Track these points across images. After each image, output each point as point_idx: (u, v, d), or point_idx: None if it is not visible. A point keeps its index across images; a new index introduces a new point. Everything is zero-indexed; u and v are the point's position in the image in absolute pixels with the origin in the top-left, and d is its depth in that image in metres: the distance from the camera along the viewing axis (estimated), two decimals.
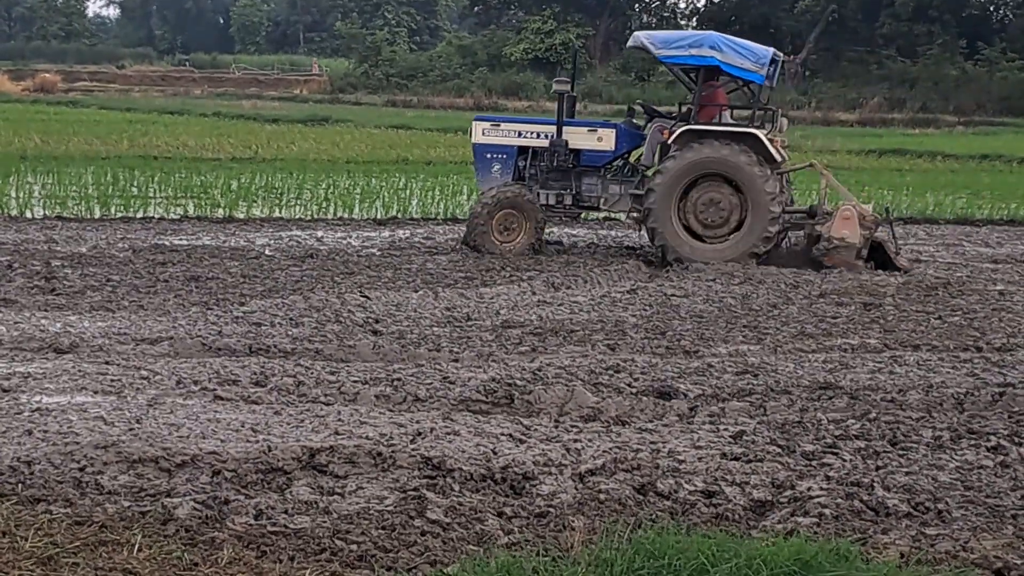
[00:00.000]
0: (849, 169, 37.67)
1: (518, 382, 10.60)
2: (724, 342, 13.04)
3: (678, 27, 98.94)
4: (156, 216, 23.41)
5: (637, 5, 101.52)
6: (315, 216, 24.47)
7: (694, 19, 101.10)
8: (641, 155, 19.92)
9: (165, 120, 52.26)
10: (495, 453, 8.44)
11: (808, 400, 10.46)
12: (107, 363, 11.04)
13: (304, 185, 29.00)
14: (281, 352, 11.82)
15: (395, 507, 7.27)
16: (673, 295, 15.86)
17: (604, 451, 8.63)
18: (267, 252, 18.82)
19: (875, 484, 8.10)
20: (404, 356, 11.84)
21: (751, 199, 18.83)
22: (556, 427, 9.31)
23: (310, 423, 9.14)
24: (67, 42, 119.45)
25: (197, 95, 78.10)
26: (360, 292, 14.95)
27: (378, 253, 19.14)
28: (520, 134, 19.93)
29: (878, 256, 19.11)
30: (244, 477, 7.74)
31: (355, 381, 10.56)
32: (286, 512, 7.14)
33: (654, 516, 7.47)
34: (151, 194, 26.37)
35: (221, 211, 24.35)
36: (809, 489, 7.96)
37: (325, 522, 6.97)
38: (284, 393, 10.14)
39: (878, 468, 8.53)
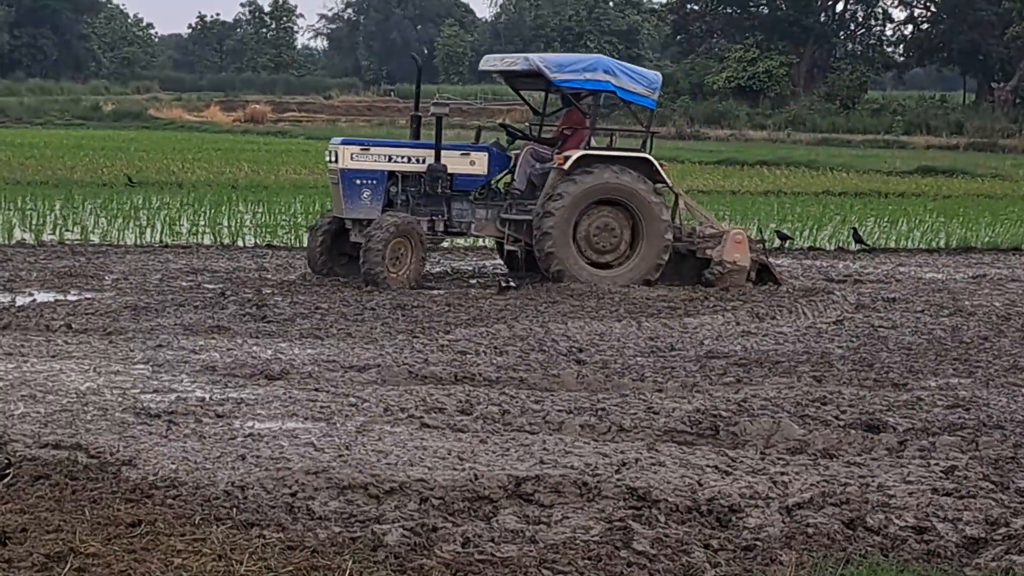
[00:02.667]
0: None
1: (723, 413, 10.53)
2: (934, 375, 12.80)
3: (884, 55, 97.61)
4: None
5: (842, 33, 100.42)
6: None
7: (900, 46, 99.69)
8: (504, 179, 19.45)
9: None
10: (701, 485, 8.39)
11: (1023, 435, 10.20)
12: (317, 390, 11.24)
13: None
14: (486, 380, 11.91)
15: (601, 537, 7.27)
16: (880, 327, 15.62)
17: (812, 484, 8.53)
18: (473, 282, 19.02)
19: None
20: (608, 386, 11.85)
21: (646, 226, 18.72)
22: (762, 459, 9.22)
23: (515, 452, 9.19)
24: (276, 73, 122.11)
25: (402, 124, 79.19)
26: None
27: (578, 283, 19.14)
28: (391, 158, 18.77)
29: (764, 279, 19.23)
30: (451, 505, 7.81)
31: (559, 410, 10.60)
32: (493, 540, 7.18)
33: (864, 552, 7.35)
34: None
35: None
36: None
37: (532, 551, 7.00)
38: (489, 421, 10.22)
39: None
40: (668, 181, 19.01)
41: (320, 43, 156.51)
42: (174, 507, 7.60)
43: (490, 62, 20.62)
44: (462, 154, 18.98)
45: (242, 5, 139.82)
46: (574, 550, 7.04)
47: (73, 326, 14.13)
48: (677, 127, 76.90)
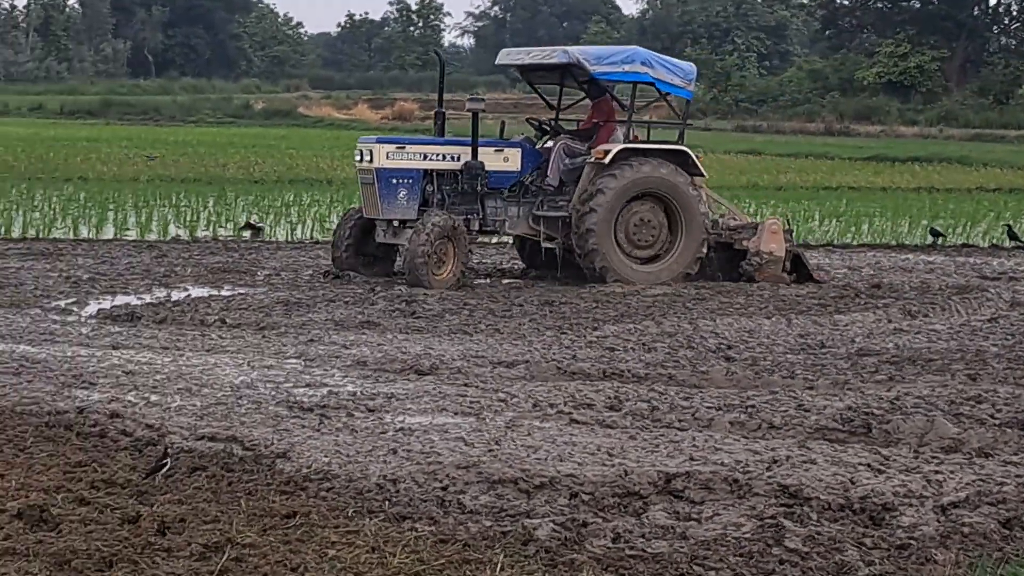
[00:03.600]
0: None
1: (875, 411, 10.41)
2: None
3: None
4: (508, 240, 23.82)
5: (996, 27, 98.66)
6: None
7: None
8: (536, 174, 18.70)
9: None
10: (853, 483, 8.29)
11: None
12: (466, 385, 11.31)
13: None
14: (635, 377, 11.89)
15: (752, 535, 7.22)
16: None
17: (967, 483, 8.39)
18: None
19: None
20: (758, 383, 11.77)
21: (685, 219, 18.39)
22: (916, 458, 9.09)
23: (665, 448, 9.17)
24: (424, 71, 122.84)
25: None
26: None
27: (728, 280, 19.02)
28: (426, 156, 18.21)
29: (797, 269, 18.85)
30: (601, 500, 7.81)
31: (709, 407, 10.55)
32: (643, 536, 7.17)
33: (1021, 552, 7.23)
34: None
35: None
36: None
37: (683, 547, 6.98)
38: (638, 418, 10.20)
39: None
40: (704, 173, 18.82)
41: (467, 41, 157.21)
42: (327, 499, 7.70)
43: (513, 56, 20.05)
44: (496, 151, 18.49)
45: (390, 4, 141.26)
46: (725, 547, 7.01)
47: (227, 321, 14.36)
48: (826, 123, 76.05)
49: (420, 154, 18.15)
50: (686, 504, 7.82)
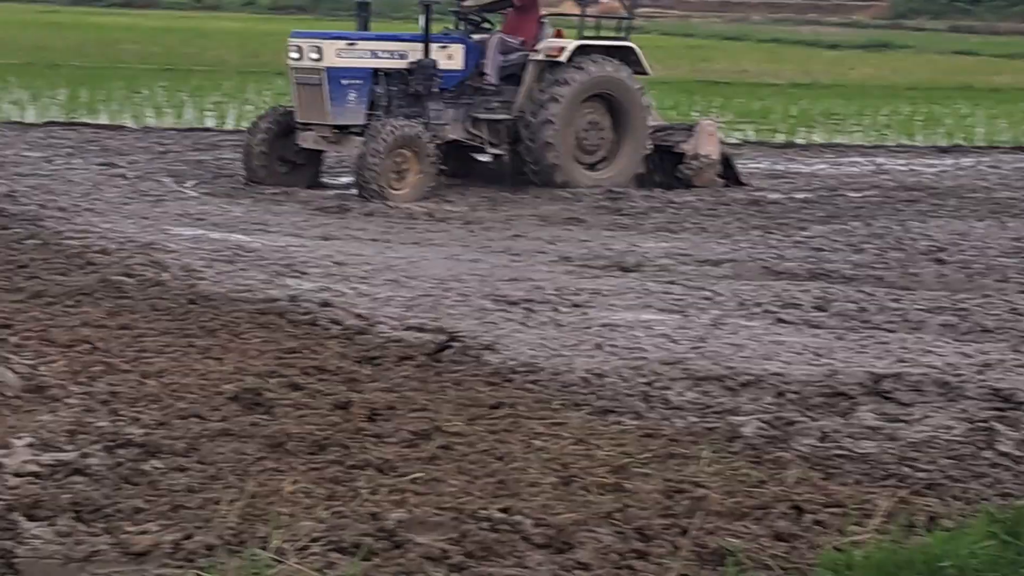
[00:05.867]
0: None
1: None
2: None
3: None
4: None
5: None
6: (876, 143, 24.11)
7: None
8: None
9: (724, 46, 52.59)
10: None
11: None
12: (671, 283, 11.28)
13: (864, 111, 28.61)
14: (842, 278, 11.73)
15: (963, 438, 7.09)
16: None
17: None
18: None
19: None
20: (969, 286, 11.53)
21: (632, 119, 16.92)
22: None
23: (873, 349, 9.05)
24: None
25: (756, 20, 78.11)
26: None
27: (946, 181, 18.59)
28: (375, 53, 16.21)
29: (725, 171, 17.56)
30: (807, 400, 7.74)
31: (919, 309, 10.37)
32: (851, 436, 7.09)
33: None
34: None
35: (781, 136, 24.37)
36: None
37: (891, 448, 6.89)
38: (846, 319, 10.08)
39: None
40: (649, 71, 17.36)
41: None
42: (533, 391, 7.75)
43: None
44: (440, 47, 16.46)
45: None
46: (935, 449, 6.89)
47: (435, 215, 14.49)
48: None
49: (369, 51, 16.20)
50: (894, 405, 7.70)
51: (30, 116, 23.35)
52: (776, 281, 11.49)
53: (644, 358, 8.60)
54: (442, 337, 8.71)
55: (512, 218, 14.49)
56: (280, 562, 5.05)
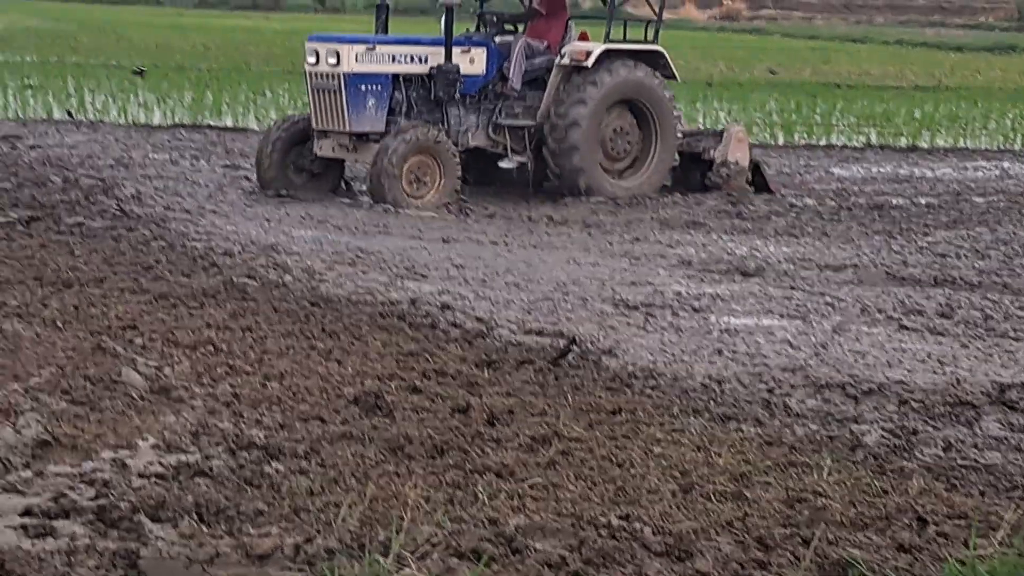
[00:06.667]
0: None
1: None
2: None
3: None
4: (839, 144, 23.48)
5: None
6: (1001, 147, 23.76)
7: None
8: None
9: (847, 48, 52.10)
10: None
11: None
12: (792, 288, 11.19)
13: (990, 115, 28.19)
14: (967, 284, 11.56)
15: None
16: None
17: None
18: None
19: None
20: None
21: (661, 126, 16.41)
22: None
23: (999, 358, 8.92)
24: None
25: (879, 23, 77.30)
26: None
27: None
28: (395, 58, 15.69)
29: (755, 178, 16.94)
30: (931, 408, 7.64)
31: None
32: (975, 446, 6.99)
33: None
34: (833, 122, 26.40)
35: (904, 140, 24.10)
36: None
37: (1017, 459, 6.77)
38: (971, 326, 9.93)
39: None
40: (677, 76, 16.88)
41: None
42: (653, 397, 7.72)
43: None
44: (463, 51, 15.96)
45: None
46: None
47: (554, 218, 14.49)
48: None
49: (389, 56, 15.68)
50: (1021, 415, 7.59)
51: (156, 118, 23.70)
52: (899, 287, 11.35)
53: (765, 364, 8.55)
54: (563, 342, 8.71)
55: (632, 222, 14.45)
56: (400, 567, 5.07)
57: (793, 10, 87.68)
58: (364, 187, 15.88)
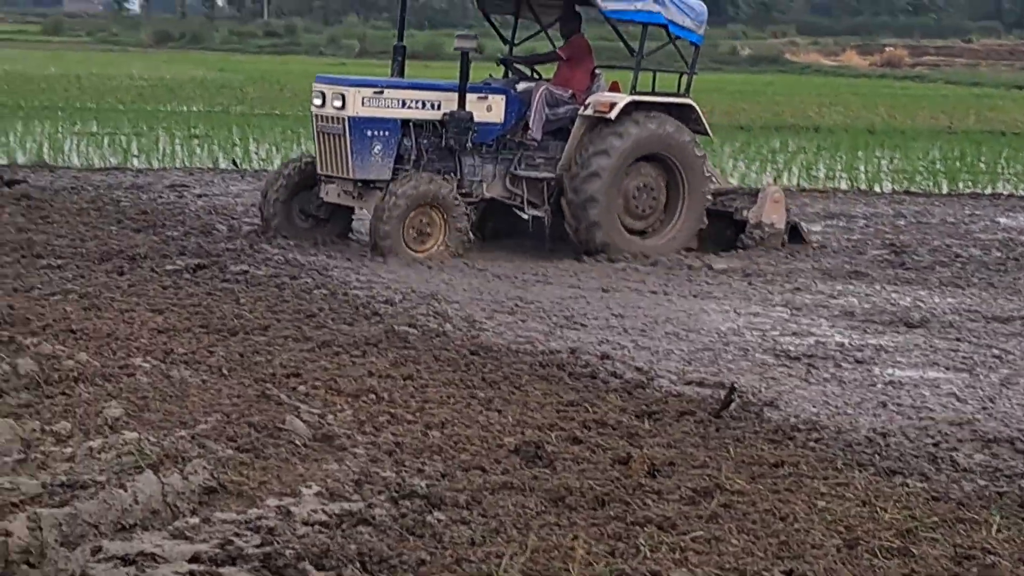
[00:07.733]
0: None
1: None
2: None
3: None
4: (1005, 192, 23.09)
5: None
6: None
7: None
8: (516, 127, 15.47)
9: (1014, 95, 51.26)
10: None
11: None
12: (958, 340, 11.02)
13: None
14: None
15: None
16: None
17: None
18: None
19: None
20: None
21: (689, 183, 15.33)
22: None
23: None
24: (914, 16, 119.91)
25: (1019, 68, 75.91)
26: None
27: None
28: (404, 103, 14.89)
29: (792, 239, 16.02)
30: None
31: None
32: None
33: None
34: (999, 170, 25.97)
35: None
36: None
37: None
38: None
39: None
40: (709, 132, 15.80)
41: None
42: (816, 450, 7.63)
43: None
44: (479, 98, 15.18)
45: None
46: None
47: (713, 267, 14.42)
48: None
49: (398, 100, 14.89)
50: None
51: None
52: None
53: (931, 418, 8.43)
54: (724, 392, 8.64)
55: (793, 271, 14.32)
56: None
57: (957, 57, 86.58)
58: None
